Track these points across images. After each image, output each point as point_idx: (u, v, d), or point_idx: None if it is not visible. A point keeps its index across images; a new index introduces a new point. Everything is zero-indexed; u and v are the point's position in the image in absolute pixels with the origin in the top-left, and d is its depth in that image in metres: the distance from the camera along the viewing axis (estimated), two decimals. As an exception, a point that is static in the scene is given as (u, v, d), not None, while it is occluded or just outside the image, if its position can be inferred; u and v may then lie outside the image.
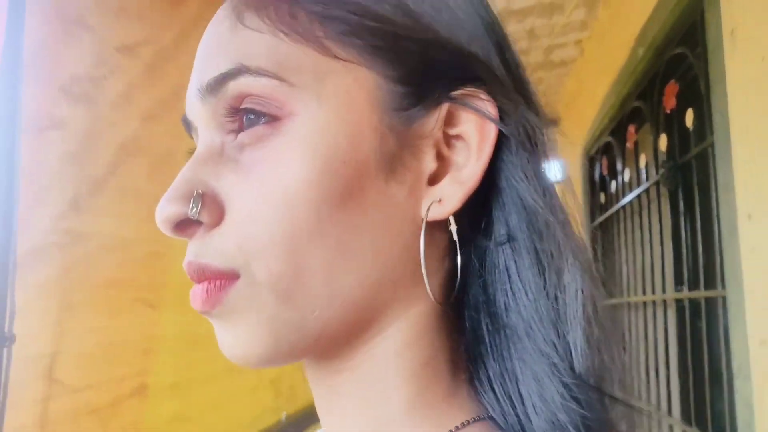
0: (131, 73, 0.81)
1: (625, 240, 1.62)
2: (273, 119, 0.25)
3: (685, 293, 1.20)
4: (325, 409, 0.30)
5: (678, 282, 1.25)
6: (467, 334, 0.29)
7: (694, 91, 1.12)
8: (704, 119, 1.06)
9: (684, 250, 1.20)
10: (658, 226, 1.35)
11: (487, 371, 0.29)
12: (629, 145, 1.55)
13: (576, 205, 0.32)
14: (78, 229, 0.71)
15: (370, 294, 0.27)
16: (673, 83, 1.22)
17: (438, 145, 0.27)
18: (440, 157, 0.27)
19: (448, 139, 0.28)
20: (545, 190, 0.28)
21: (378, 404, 0.28)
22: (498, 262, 0.28)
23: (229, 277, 0.25)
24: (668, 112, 1.25)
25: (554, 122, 0.31)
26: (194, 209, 0.25)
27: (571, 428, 0.26)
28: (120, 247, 0.87)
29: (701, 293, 1.12)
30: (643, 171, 1.45)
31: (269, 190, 0.25)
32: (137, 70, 0.82)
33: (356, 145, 0.26)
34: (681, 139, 1.21)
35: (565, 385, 0.27)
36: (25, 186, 0.59)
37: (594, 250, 1.70)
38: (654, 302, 1.40)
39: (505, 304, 0.28)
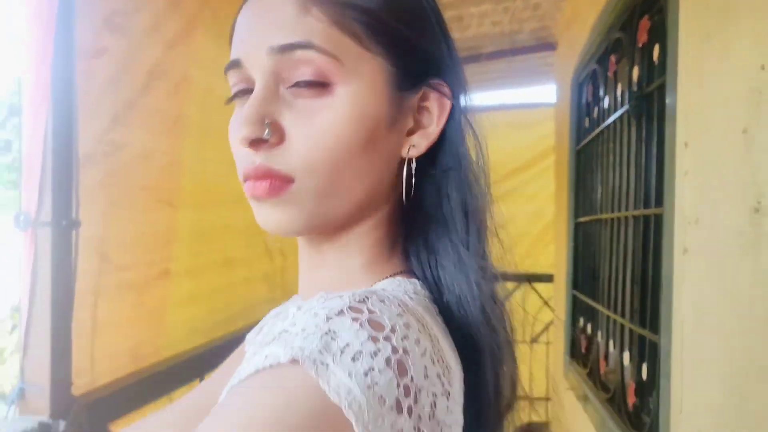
0: (158, 5, 0.94)
1: (601, 162, 1.77)
2: (325, 84, 0.40)
3: (640, 211, 1.36)
4: (311, 265, 0.48)
5: (637, 201, 1.41)
6: (408, 224, 0.47)
7: (663, 26, 1.22)
8: (667, 55, 1.17)
9: (643, 174, 1.35)
10: (626, 151, 1.50)
11: (417, 247, 0.47)
12: (610, 74, 1.66)
13: (482, 142, 0.48)
14: (118, 140, 0.87)
15: (366, 199, 0.44)
16: (646, 18, 1.32)
17: (414, 112, 0.45)
18: (415, 120, 0.45)
19: (421, 109, 0.45)
20: (468, 141, 0.47)
21: (346, 263, 0.46)
22: (438, 182, 0.46)
23: (287, 180, 0.40)
24: (640, 45, 1.36)
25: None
26: (267, 132, 0.39)
27: (472, 282, 0.44)
28: (148, 157, 1.03)
29: (651, 210, 1.29)
30: (619, 99, 1.57)
31: (324, 130, 0.40)
32: (162, 3, 0.95)
33: (377, 109, 0.41)
34: (649, 71, 1.33)
35: (466, 257, 0.45)
36: (80, 104, 0.74)
37: (577, 172, 1.87)
38: (619, 219, 1.57)
39: (436, 206, 0.46)
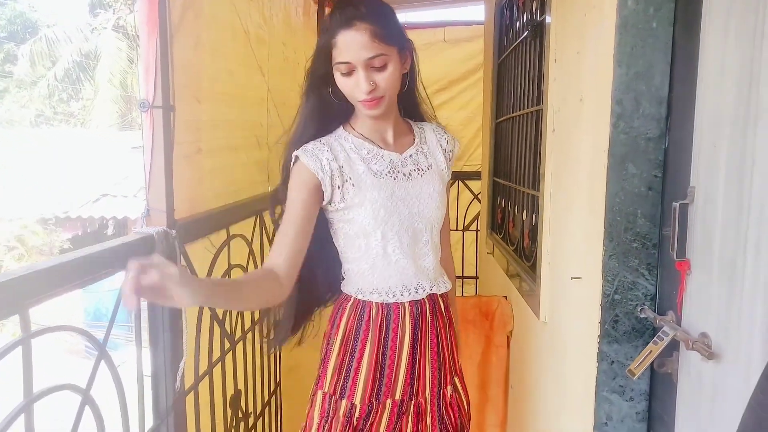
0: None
1: (514, 72, 2.30)
2: (385, 65, 1.12)
3: (533, 108, 1.91)
4: (385, 126, 1.27)
5: (531, 101, 1.95)
6: (403, 102, 1.25)
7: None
8: (550, -5, 1.67)
9: (535, 82, 1.89)
10: (527, 65, 2.02)
11: (409, 106, 1.30)
12: (520, 3, 2.15)
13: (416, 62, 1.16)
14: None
15: (394, 99, 1.20)
16: (540, -36, 1.81)
17: (403, 57, 1.15)
18: (403, 61, 1.16)
19: (404, 59, 1.14)
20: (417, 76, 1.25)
21: (392, 116, 1.25)
22: (412, 83, 1.21)
23: (384, 94, 1.18)
24: (536, -15, 1.85)
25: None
26: (373, 84, 1.15)
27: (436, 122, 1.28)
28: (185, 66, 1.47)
29: (539, 107, 1.83)
30: (525, 25, 2.08)
31: (392, 77, 1.16)
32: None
33: (401, 70, 1.16)
34: (542, 4, 1.83)
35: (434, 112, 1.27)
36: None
37: (498, 82, 2.49)
38: (522, 115, 2.12)
39: (410, 96, 1.26)
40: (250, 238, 1.89)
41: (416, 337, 1.31)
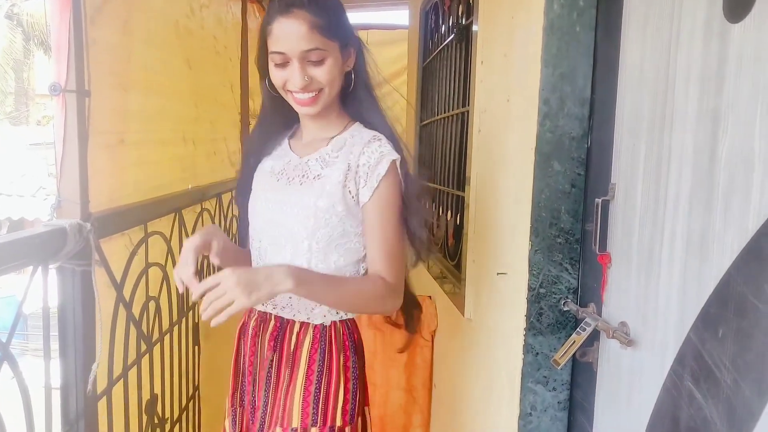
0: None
1: (439, 75, 2.34)
2: (323, 59, 1.06)
3: (459, 110, 1.95)
4: (314, 126, 1.19)
5: (457, 103, 1.99)
6: (347, 100, 1.17)
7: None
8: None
9: (461, 83, 1.93)
10: (453, 68, 2.07)
11: (353, 108, 1.16)
12: (446, 8, 2.20)
13: (373, 60, 1.14)
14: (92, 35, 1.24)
15: (335, 94, 1.12)
16: (466, -30, 1.85)
17: (346, 55, 1.10)
18: (345, 58, 1.11)
19: (347, 56, 1.09)
20: (369, 66, 1.19)
21: (324, 116, 1.17)
22: (357, 84, 1.14)
23: (320, 91, 1.12)
24: (463, -11, 1.90)
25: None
26: (307, 80, 1.08)
27: (387, 124, 1.16)
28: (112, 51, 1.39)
29: (465, 108, 1.87)
30: (451, 28, 2.12)
31: (330, 74, 1.10)
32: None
33: (342, 65, 1.10)
34: (467, 9, 1.88)
35: (381, 110, 1.16)
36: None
37: (423, 85, 2.52)
38: (447, 117, 2.16)
39: (358, 94, 1.16)
40: (168, 236, 1.81)
41: (276, 350, 1.23)
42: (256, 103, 3.14)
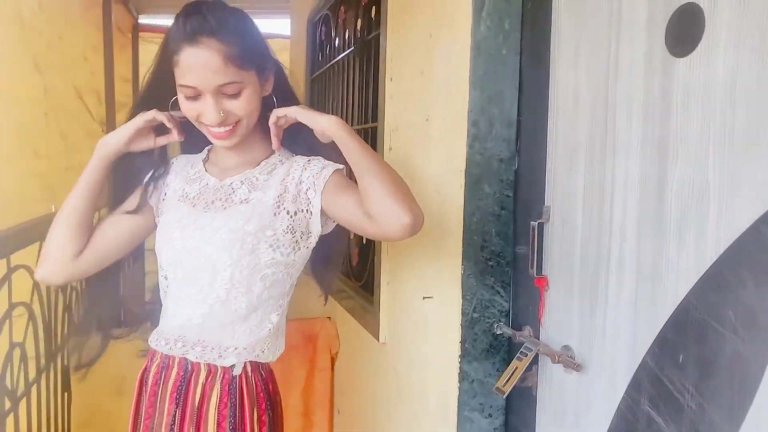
0: None
1: (333, 89, 2.26)
2: (239, 92, 0.93)
3: (362, 126, 1.89)
4: (234, 153, 1.08)
5: (360, 118, 1.93)
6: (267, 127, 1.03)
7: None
8: (381, 15, 1.67)
9: (364, 98, 1.87)
10: (352, 81, 2.01)
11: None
12: (341, 21, 2.13)
13: (293, 76, 1.01)
14: None
15: (254, 122, 1.01)
16: (367, -17, 1.81)
17: (264, 80, 0.98)
18: (263, 84, 0.98)
19: (265, 80, 0.98)
20: (290, 85, 1.13)
21: (245, 144, 1.04)
22: (280, 106, 1.00)
23: (237, 123, 0.99)
24: (363, 4, 1.85)
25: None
26: (223, 114, 0.97)
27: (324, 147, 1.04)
28: None
29: (370, 124, 1.82)
30: (347, 41, 2.06)
31: (248, 106, 0.98)
32: None
33: (261, 91, 0.98)
34: (369, 24, 1.83)
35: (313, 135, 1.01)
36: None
37: (312, 98, 2.40)
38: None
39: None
40: (35, 269, 1.55)
41: (179, 404, 1.07)
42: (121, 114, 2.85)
